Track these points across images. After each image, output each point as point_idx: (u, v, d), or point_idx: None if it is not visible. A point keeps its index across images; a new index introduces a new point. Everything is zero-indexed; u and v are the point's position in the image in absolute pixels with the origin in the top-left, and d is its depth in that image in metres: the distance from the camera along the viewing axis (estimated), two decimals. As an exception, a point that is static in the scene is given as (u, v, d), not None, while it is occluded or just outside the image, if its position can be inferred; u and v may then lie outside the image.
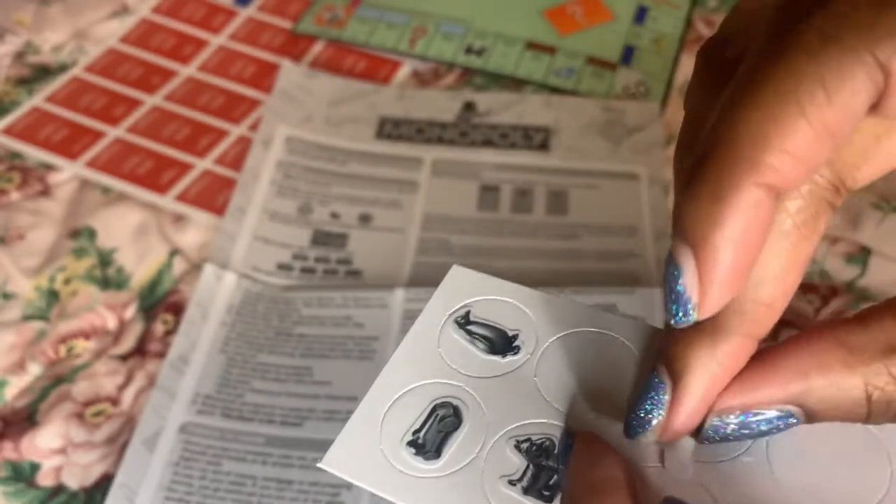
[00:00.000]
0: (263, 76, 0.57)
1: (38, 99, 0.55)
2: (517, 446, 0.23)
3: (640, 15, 0.60)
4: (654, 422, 0.21)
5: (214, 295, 0.45)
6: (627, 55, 0.58)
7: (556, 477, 0.22)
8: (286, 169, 0.51)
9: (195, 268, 0.47)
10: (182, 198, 0.50)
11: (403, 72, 0.58)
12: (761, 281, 0.20)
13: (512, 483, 0.23)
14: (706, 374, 0.20)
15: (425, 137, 0.53)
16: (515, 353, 0.25)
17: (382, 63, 0.58)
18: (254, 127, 0.54)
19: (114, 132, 0.54)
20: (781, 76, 0.17)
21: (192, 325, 0.44)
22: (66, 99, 0.56)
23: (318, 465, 0.23)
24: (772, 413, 0.20)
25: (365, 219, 0.49)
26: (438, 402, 0.25)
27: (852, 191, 0.21)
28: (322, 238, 0.48)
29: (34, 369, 0.43)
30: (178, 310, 0.45)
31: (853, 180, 0.20)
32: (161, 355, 0.43)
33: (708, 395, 0.20)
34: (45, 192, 0.51)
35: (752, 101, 0.18)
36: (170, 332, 0.44)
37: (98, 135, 0.54)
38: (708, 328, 0.20)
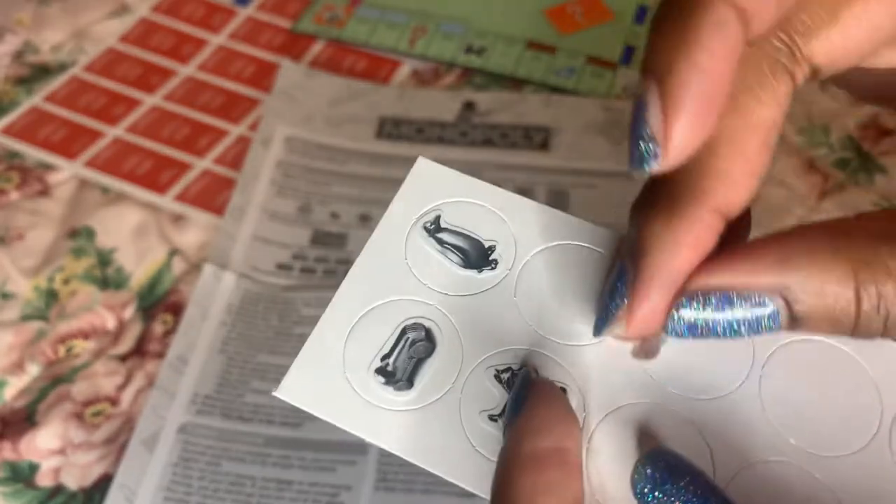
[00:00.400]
0: (263, 76, 0.57)
1: (37, 98, 0.55)
2: (497, 376, 0.21)
3: (641, 15, 0.60)
4: (618, 311, 0.19)
5: (214, 295, 0.45)
6: (628, 55, 0.58)
7: None
8: (286, 169, 0.51)
9: (194, 268, 0.47)
10: (181, 198, 0.50)
11: (403, 71, 0.58)
12: (715, 144, 0.18)
13: (493, 419, 0.20)
14: (664, 251, 0.18)
15: (425, 137, 0.53)
16: (493, 268, 0.22)
17: (382, 63, 0.58)
18: (253, 127, 0.54)
19: (113, 132, 0.54)
20: None
21: (192, 326, 0.44)
22: (65, 98, 0.55)
23: (273, 393, 0.21)
24: (753, 311, 0.18)
25: (365, 219, 0.49)
26: (408, 323, 0.22)
27: (810, 63, 0.19)
28: (322, 238, 0.48)
29: (33, 369, 0.43)
30: (177, 310, 0.45)
31: (809, 48, 0.19)
32: (160, 355, 0.43)
33: (670, 277, 0.18)
34: (45, 191, 0.51)
35: None
36: (169, 333, 0.44)
37: (97, 134, 0.54)
38: (665, 202, 0.19)
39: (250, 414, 0.41)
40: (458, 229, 0.23)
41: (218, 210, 0.49)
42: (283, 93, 0.55)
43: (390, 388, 0.21)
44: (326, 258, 0.47)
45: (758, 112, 0.19)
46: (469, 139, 0.53)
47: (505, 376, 0.21)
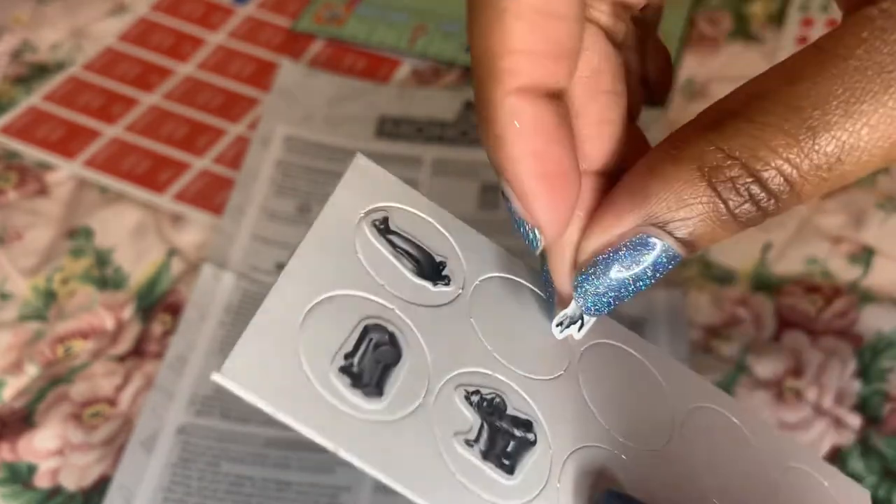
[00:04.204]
0: (262, 75, 0.57)
1: (35, 98, 0.55)
2: (467, 398, 0.20)
3: (642, 13, 0.60)
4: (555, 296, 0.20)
5: (213, 295, 0.45)
6: (628, 54, 0.57)
7: (513, 443, 0.19)
8: (285, 168, 0.51)
9: (193, 268, 0.47)
10: (180, 197, 0.50)
11: (403, 70, 0.57)
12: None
13: (469, 444, 0.19)
14: (550, 219, 0.18)
15: (425, 136, 0.53)
16: (446, 284, 0.21)
17: (382, 62, 0.58)
18: (252, 126, 0.54)
19: (112, 131, 0.54)
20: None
21: (191, 326, 0.44)
22: (63, 98, 0.55)
23: (213, 377, 0.17)
24: (644, 256, 0.18)
25: (364, 218, 0.49)
26: (369, 322, 0.19)
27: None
28: (321, 238, 0.48)
29: (31, 370, 0.43)
30: (176, 310, 0.45)
31: None
32: (159, 356, 0.43)
33: (565, 245, 0.19)
34: (43, 191, 0.50)
35: (472, 27, 0.18)
36: (168, 333, 0.44)
37: (96, 134, 0.53)
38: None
39: (250, 414, 0.41)
40: (408, 236, 0.21)
41: (217, 210, 0.49)
42: (283, 92, 0.55)
43: (359, 393, 0.18)
44: (326, 258, 0.47)
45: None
46: (469, 138, 0.53)
47: (475, 399, 0.20)
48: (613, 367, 0.22)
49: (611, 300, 0.19)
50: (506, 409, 0.20)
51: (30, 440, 0.40)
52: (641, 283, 0.18)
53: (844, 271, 0.45)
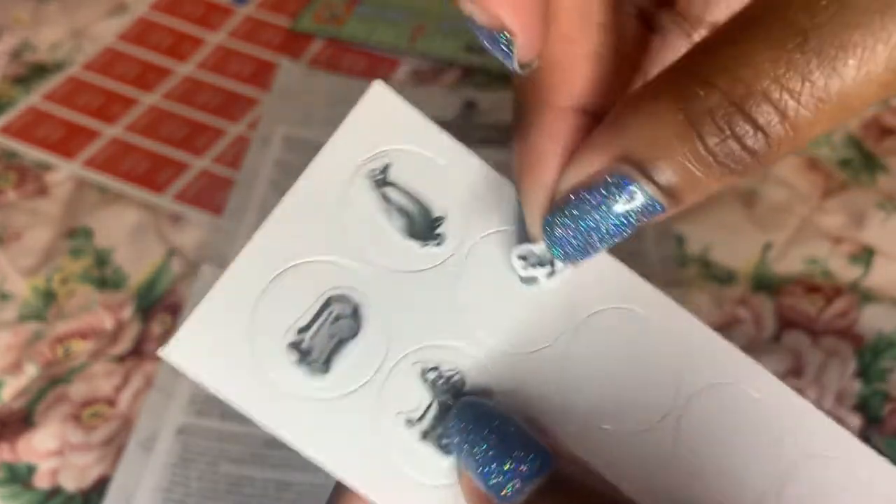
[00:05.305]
0: (262, 74, 0.57)
1: (35, 97, 0.55)
2: (422, 375, 0.18)
3: (642, 13, 0.60)
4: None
5: (212, 295, 0.45)
6: (629, 53, 0.57)
7: None
8: (285, 168, 0.51)
9: (193, 268, 0.47)
10: (180, 197, 0.50)
11: (403, 70, 0.57)
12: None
13: (410, 423, 0.18)
14: (532, 166, 0.17)
15: (425, 136, 0.53)
16: (438, 244, 0.19)
17: (382, 62, 0.58)
18: (252, 126, 0.54)
19: (111, 131, 0.53)
20: None
21: (190, 326, 0.44)
22: (63, 97, 0.55)
23: (158, 352, 0.18)
24: (618, 198, 0.16)
25: (364, 218, 0.49)
26: (334, 293, 0.18)
27: None
28: (321, 238, 0.48)
29: (31, 370, 0.43)
30: (175, 310, 0.45)
31: None
32: (158, 356, 0.43)
33: (546, 191, 0.17)
34: (42, 191, 0.50)
35: None
36: (168, 333, 0.44)
37: (95, 134, 0.53)
38: (519, 118, 0.18)
39: (249, 415, 0.41)
40: (407, 188, 0.19)
41: (216, 210, 0.49)
42: (283, 92, 0.55)
43: (303, 369, 0.18)
44: (326, 258, 0.47)
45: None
46: (470, 138, 0.53)
47: (430, 376, 0.18)
48: (619, 340, 0.20)
49: (580, 246, 0.17)
50: (463, 388, 0.19)
51: (29, 440, 0.40)
52: (615, 231, 0.16)
53: (845, 271, 0.45)
